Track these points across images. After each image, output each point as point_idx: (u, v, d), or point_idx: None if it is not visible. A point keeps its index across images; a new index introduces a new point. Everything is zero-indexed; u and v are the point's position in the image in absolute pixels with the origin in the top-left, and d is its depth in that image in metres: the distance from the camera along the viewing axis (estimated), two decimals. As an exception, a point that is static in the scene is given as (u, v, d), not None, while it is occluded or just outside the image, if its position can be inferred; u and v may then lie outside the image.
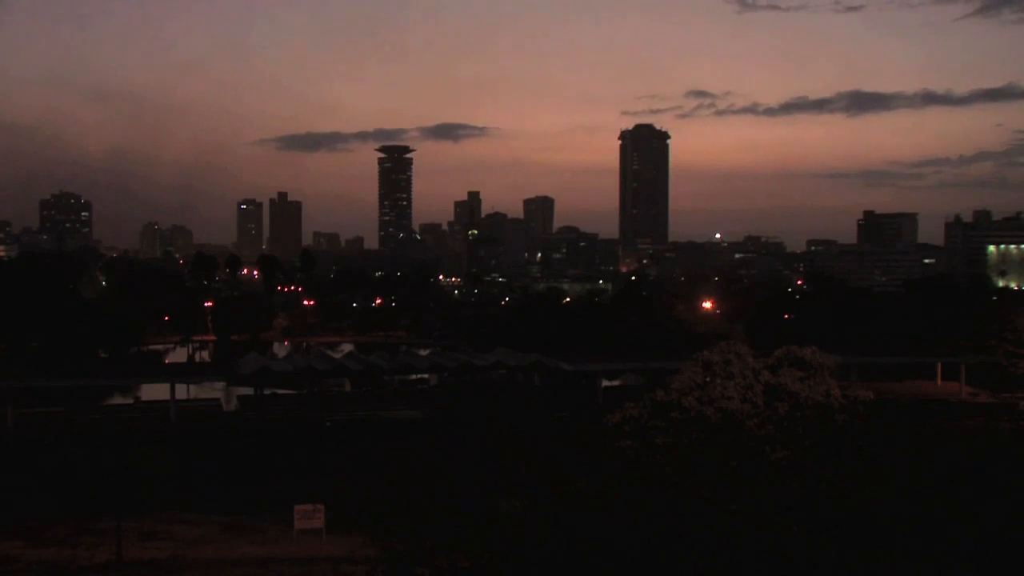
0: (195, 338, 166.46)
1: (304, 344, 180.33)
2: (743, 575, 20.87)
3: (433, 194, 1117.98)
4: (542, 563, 21.99)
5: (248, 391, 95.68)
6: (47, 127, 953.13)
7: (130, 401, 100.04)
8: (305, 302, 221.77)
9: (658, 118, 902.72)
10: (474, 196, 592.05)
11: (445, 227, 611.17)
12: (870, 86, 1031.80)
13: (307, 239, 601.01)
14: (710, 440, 26.01)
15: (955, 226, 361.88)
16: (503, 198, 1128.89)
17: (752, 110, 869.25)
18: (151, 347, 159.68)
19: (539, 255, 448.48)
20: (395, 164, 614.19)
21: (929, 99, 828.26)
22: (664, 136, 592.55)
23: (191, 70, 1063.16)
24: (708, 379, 28.10)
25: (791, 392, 27.14)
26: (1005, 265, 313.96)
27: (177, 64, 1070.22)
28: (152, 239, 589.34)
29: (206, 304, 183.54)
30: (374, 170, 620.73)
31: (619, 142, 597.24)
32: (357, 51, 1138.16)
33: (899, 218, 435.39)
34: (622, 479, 25.42)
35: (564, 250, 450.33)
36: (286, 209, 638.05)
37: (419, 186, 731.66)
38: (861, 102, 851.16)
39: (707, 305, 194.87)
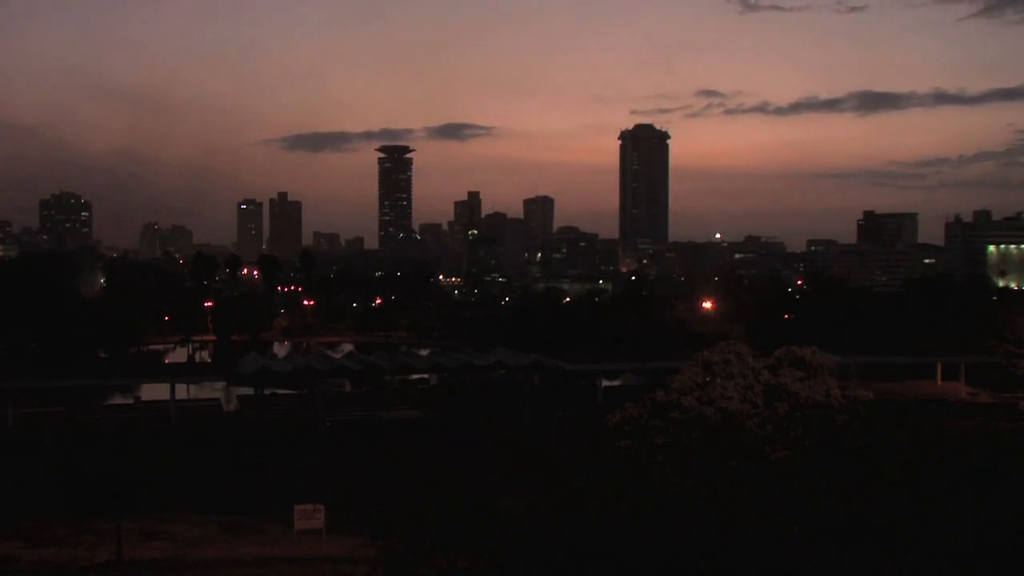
0: (195, 338, 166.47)
1: (304, 344, 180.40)
2: (743, 575, 20.88)
3: (433, 194, 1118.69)
4: (542, 563, 22.00)
5: (248, 391, 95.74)
6: (49, 126, 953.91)
7: (130, 401, 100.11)
8: (305, 302, 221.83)
9: (668, 117, 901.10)
10: (474, 196, 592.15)
11: (445, 227, 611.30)
12: (879, 86, 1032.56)
13: (307, 239, 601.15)
14: (710, 440, 26.01)
15: (955, 226, 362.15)
16: (503, 198, 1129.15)
17: (762, 109, 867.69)
18: (151, 347, 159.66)
19: (539, 255, 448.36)
20: (395, 164, 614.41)
21: (942, 99, 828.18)
22: (664, 136, 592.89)
23: (197, 69, 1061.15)
24: (708, 379, 28.08)
25: (791, 392, 27.12)
26: (1005, 265, 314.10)
27: (183, 62, 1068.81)
28: (152, 239, 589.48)
29: (206, 304, 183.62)
30: (374, 170, 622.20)
31: (619, 142, 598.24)
32: (365, 50, 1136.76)
33: (899, 218, 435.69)
34: (622, 479, 25.42)
35: (564, 250, 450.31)
36: (286, 209, 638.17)
37: (419, 186, 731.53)
38: (872, 102, 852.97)
39: (707, 305, 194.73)
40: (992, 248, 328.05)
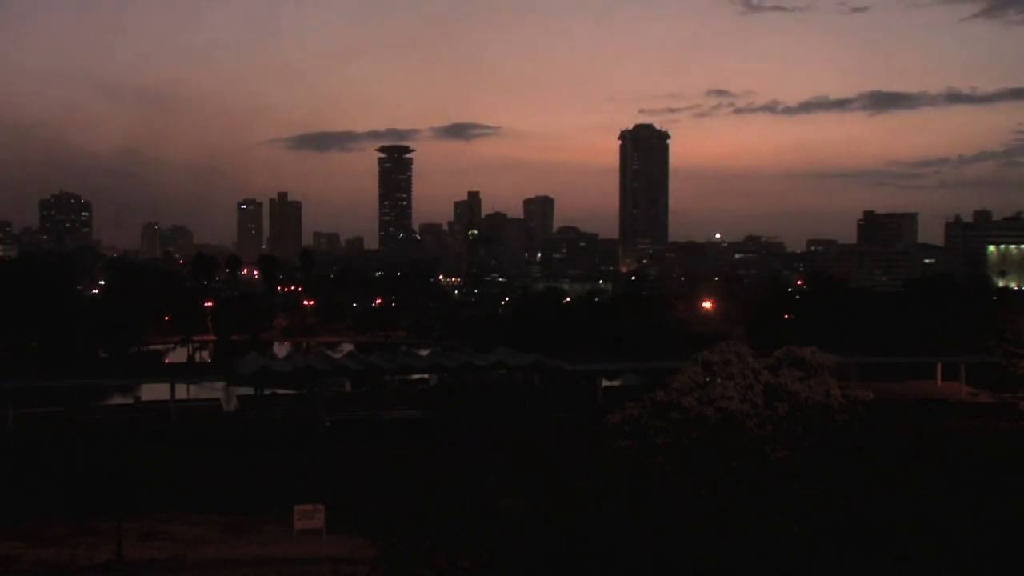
0: (195, 338, 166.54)
1: (304, 344, 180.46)
2: (743, 575, 20.89)
3: (433, 194, 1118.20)
4: (542, 563, 22.01)
5: (248, 391, 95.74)
6: (49, 125, 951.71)
7: (130, 401, 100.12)
8: (305, 302, 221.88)
9: (676, 117, 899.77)
10: (474, 196, 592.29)
11: (445, 227, 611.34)
12: (887, 86, 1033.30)
13: (307, 239, 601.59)
14: (710, 440, 26.02)
15: (955, 226, 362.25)
16: (503, 198, 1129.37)
17: (771, 108, 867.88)
18: (151, 347, 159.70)
19: (539, 255, 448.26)
20: (395, 164, 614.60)
21: (954, 98, 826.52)
22: (664, 136, 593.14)
23: (200, 68, 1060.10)
24: (708, 379, 28.09)
25: (791, 392, 27.12)
26: (1005, 265, 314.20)
27: (186, 62, 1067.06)
28: (152, 239, 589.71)
29: (206, 304, 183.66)
30: (374, 170, 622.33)
31: (619, 142, 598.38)
32: (373, 50, 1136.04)
33: (899, 218, 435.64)
34: (622, 479, 25.43)
35: (564, 250, 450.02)
36: (286, 209, 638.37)
37: (419, 186, 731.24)
38: (882, 101, 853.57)
39: (707, 305, 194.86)
40: (992, 248, 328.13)
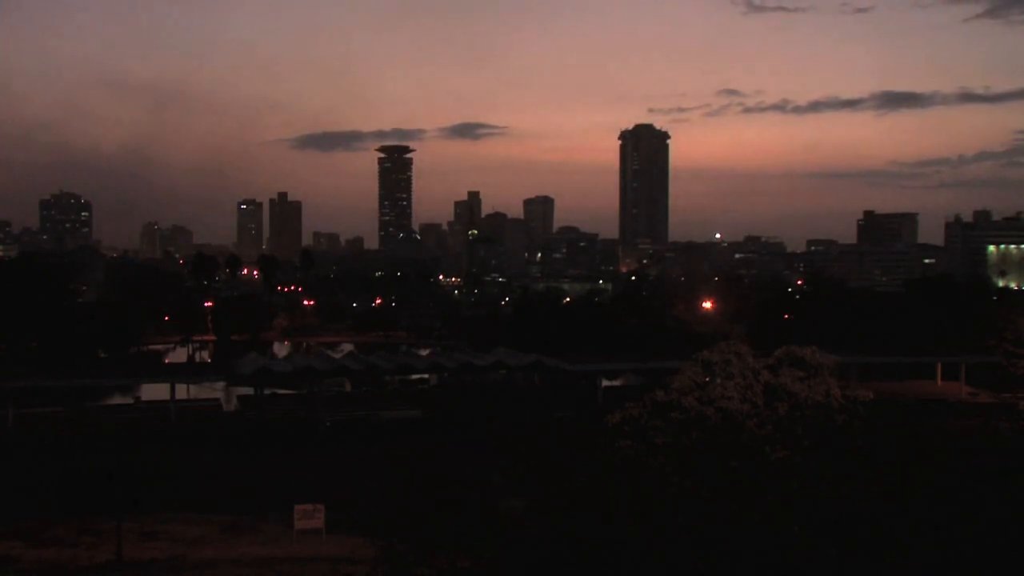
0: (195, 338, 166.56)
1: (304, 344, 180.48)
2: (743, 575, 20.89)
3: (433, 194, 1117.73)
4: (542, 563, 22.00)
5: (248, 391, 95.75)
6: (49, 126, 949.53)
7: (130, 401, 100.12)
8: (305, 302, 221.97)
9: (686, 116, 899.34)
10: (474, 196, 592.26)
11: (445, 227, 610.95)
12: (896, 86, 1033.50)
13: (307, 239, 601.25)
14: (710, 440, 26.01)
15: (955, 226, 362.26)
16: (503, 198, 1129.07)
17: (781, 107, 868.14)
18: (151, 347, 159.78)
19: (539, 255, 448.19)
20: (395, 164, 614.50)
21: (964, 98, 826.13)
22: (664, 136, 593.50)
23: (203, 68, 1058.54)
24: (708, 379, 28.09)
25: (791, 392, 27.12)
26: (1005, 265, 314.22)
27: (190, 61, 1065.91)
28: (152, 239, 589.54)
29: (206, 304, 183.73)
30: (375, 170, 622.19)
31: (619, 142, 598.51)
32: (380, 50, 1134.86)
33: (899, 218, 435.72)
34: (622, 479, 25.42)
35: (564, 250, 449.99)
36: (286, 209, 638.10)
37: (419, 186, 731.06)
38: (891, 101, 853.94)
39: (707, 305, 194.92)
40: (992, 248, 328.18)
